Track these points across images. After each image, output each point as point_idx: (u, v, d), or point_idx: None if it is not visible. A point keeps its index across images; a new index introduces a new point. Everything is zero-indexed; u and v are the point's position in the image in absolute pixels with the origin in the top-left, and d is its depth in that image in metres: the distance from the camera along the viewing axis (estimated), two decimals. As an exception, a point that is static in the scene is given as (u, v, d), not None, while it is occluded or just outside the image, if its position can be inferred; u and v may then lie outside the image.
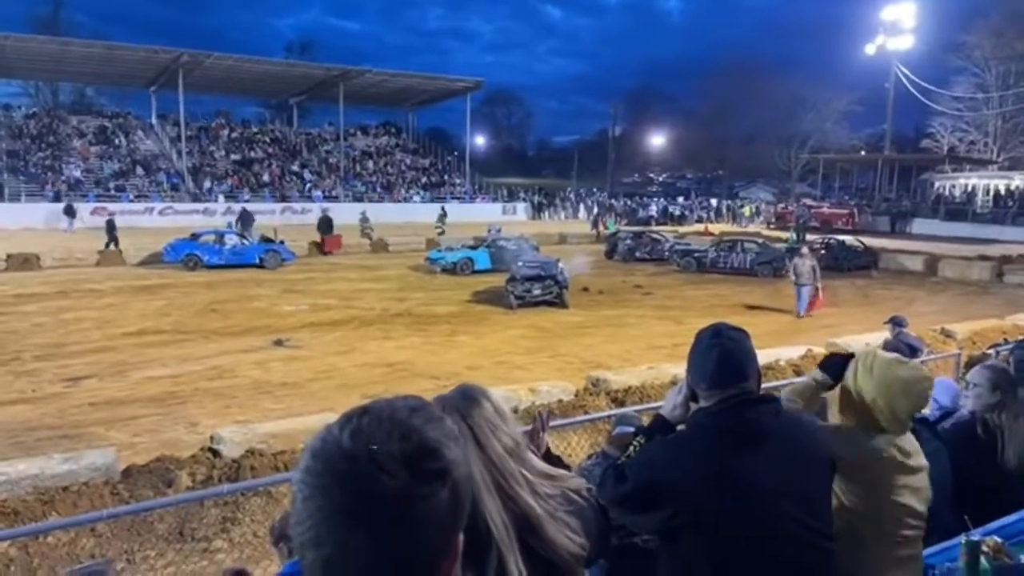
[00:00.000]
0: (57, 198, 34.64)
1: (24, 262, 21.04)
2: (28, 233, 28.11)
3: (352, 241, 28.60)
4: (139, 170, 40.28)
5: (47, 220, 32.38)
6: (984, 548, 2.23)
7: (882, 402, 2.18)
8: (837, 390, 2.32)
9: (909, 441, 2.24)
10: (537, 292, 16.55)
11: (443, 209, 35.14)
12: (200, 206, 36.91)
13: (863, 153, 54.13)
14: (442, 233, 30.77)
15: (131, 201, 36.56)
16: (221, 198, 38.46)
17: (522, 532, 1.45)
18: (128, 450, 7.11)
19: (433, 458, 0.81)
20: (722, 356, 1.95)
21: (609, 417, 4.74)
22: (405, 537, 0.78)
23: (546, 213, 49.44)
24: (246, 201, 38.09)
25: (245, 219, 27.82)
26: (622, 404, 7.54)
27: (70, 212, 31.28)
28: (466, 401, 1.59)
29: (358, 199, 41.97)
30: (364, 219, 31.27)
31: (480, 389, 1.65)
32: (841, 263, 24.23)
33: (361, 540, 0.77)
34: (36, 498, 5.41)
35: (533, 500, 1.49)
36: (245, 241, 23.42)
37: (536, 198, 51.10)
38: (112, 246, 23.74)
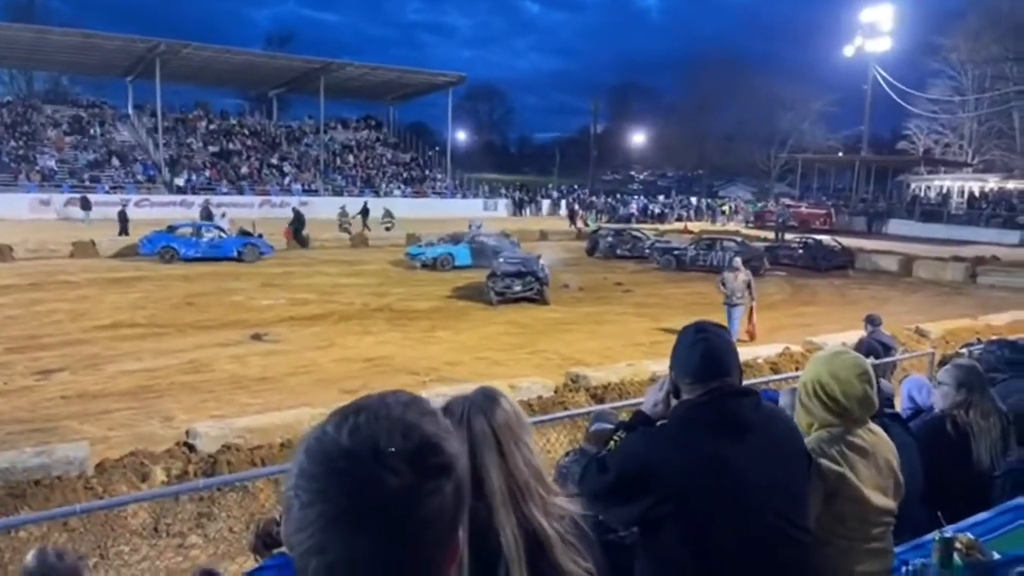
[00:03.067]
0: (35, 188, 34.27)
1: (-4, 253, 20.68)
2: (3, 224, 27.59)
3: (332, 235, 28.47)
4: (115, 161, 39.67)
5: (31, 210, 32.14)
6: (957, 545, 2.26)
7: (831, 391, 2.21)
8: (805, 388, 2.33)
9: (870, 434, 2.26)
10: (518, 288, 16.57)
11: (387, 209, 34.24)
12: (177, 198, 36.48)
13: (841, 154, 54.70)
14: (390, 228, 30.69)
15: (106, 192, 35.98)
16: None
17: (532, 552, 1.42)
18: (102, 444, 7.01)
19: (435, 453, 0.79)
20: (706, 351, 1.98)
21: (588, 414, 4.75)
22: (412, 537, 0.76)
23: (527, 210, 49.46)
24: (224, 194, 37.79)
25: (206, 214, 27.40)
26: (601, 401, 7.57)
27: (86, 205, 31.42)
28: (490, 403, 1.55)
29: (337, 193, 41.71)
30: (343, 213, 31.25)
31: (501, 392, 1.62)
32: (819, 262, 24.52)
33: (367, 543, 0.74)
34: (7, 492, 5.33)
35: (546, 521, 1.46)
36: (223, 234, 23.18)
37: (517, 195, 51.10)
38: (125, 235, 23.84)
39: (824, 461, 2.15)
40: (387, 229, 30.37)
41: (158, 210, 33.51)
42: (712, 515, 1.84)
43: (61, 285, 17.21)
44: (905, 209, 42.83)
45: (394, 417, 0.80)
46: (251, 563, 2.94)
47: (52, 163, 37.74)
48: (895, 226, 39.46)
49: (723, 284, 12.89)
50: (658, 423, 2.10)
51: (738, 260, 13.80)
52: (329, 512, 0.74)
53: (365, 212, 32.90)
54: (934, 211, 41.44)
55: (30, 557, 2.47)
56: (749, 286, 12.71)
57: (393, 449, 0.76)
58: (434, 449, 0.79)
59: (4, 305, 14.62)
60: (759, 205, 45.03)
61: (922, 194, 45.26)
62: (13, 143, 38.08)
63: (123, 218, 25.96)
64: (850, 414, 2.22)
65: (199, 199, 35.72)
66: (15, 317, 13.62)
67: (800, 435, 2.14)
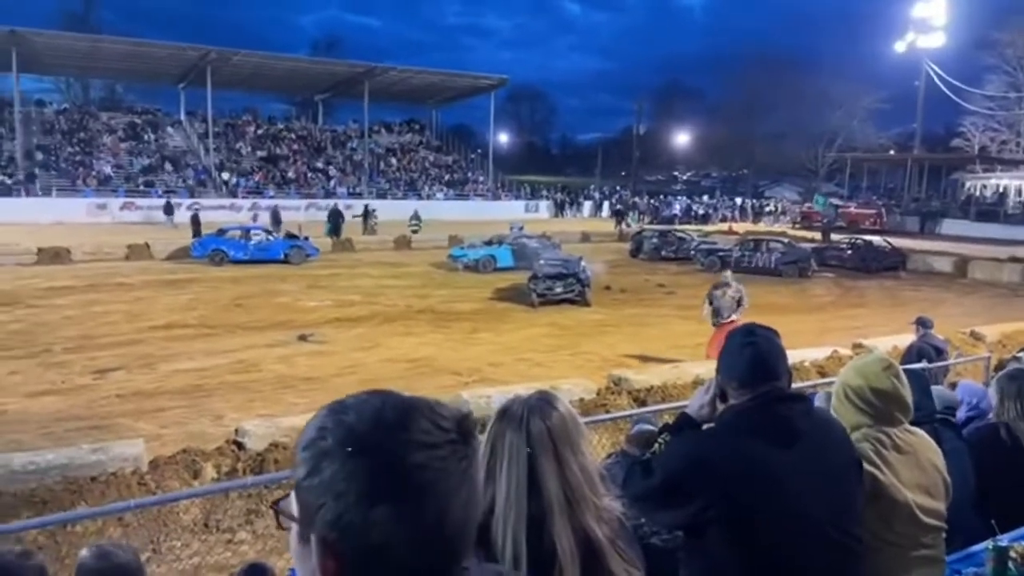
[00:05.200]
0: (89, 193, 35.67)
1: (55, 256, 21.41)
2: (60, 227, 28.62)
3: (377, 237, 28.88)
4: (167, 166, 40.83)
5: (88, 214, 33.33)
6: (1012, 554, 2.20)
7: (860, 391, 2.20)
8: (836, 391, 2.32)
9: (907, 434, 2.22)
10: (559, 290, 16.54)
11: (416, 211, 34.30)
12: (227, 201, 37.40)
13: (892, 152, 53.34)
14: (417, 231, 30.79)
15: (159, 196, 37.10)
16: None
17: (585, 558, 1.43)
18: (155, 441, 7.22)
19: (470, 418, 0.85)
20: (754, 355, 1.94)
21: (630, 417, 4.73)
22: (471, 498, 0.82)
23: (569, 211, 49.33)
24: (271, 198, 38.63)
25: (276, 218, 28.57)
26: (643, 403, 7.52)
27: (169, 210, 32.81)
28: (548, 406, 1.56)
29: (381, 196, 42.22)
30: (368, 214, 32.25)
31: (560, 398, 1.63)
32: (868, 264, 23.96)
33: (434, 503, 0.78)
34: (65, 487, 5.50)
35: (598, 527, 1.47)
36: (270, 237, 23.65)
37: (559, 196, 50.99)
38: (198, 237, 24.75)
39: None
40: (414, 232, 30.36)
41: (210, 213, 34.38)
42: (760, 521, 1.80)
43: (117, 287, 17.76)
44: (959, 209, 41.56)
45: (401, 398, 0.86)
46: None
47: (108, 168, 39.00)
48: (949, 226, 38.29)
49: (709, 302, 11.03)
50: (703, 427, 2.09)
51: (728, 274, 11.65)
52: (385, 475, 0.78)
53: (365, 215, 32.69)
54: (990, 211, 40.10)
55: (85, 552, 2.45)
56: (739, 303, 10.84)
57: (441, 412, 0.83)
58: (469, 415, 0.85)
59: (63, 306, 15.15)
60: (826, 201, 42.54)
61: (977, 193, 43.87)
62: (71, 149, 39.46)
63: (196, 221, 27.36)
64: (881, 413, 2.18)
65: (247, 202, 36.72)
66: (73, 318, 14.10)
67: (851, 442, 2.10)
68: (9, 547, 2.63)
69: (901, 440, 2.18)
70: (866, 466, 2.08)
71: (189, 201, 35.05)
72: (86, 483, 5.59)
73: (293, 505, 0.83)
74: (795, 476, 1.83)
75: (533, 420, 1.54)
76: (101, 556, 2.39)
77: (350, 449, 0.78)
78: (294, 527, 0.84)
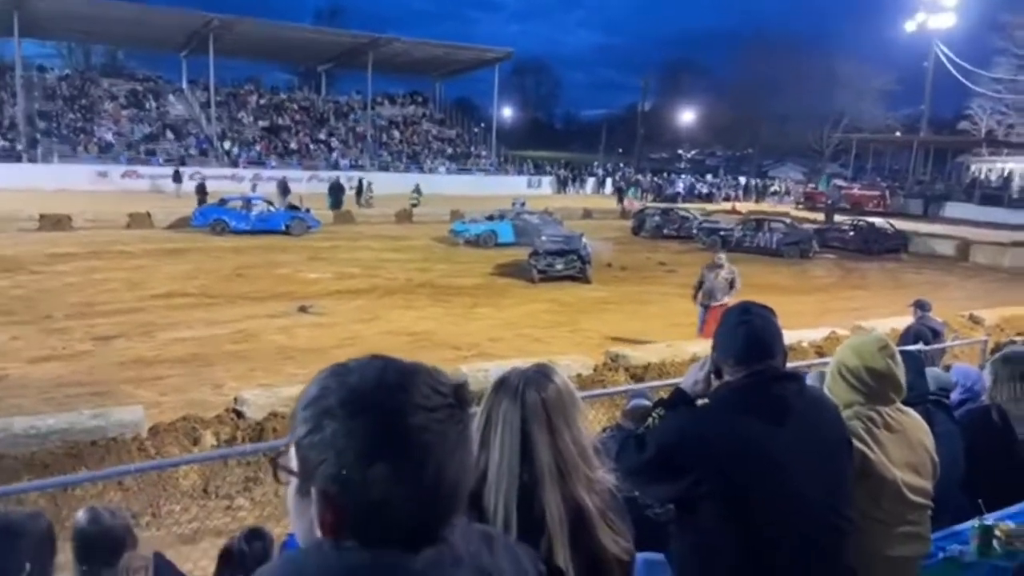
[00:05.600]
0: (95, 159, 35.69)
1: (56, 223, 21.41)
2: (62, 194, 28.56)
3: (378, 210, 28.81)
4: (169, 134, 40.62)
5: (89, 182, 33.18)
6: (997, 533, 2.23)
7: (854, 369, 2.23)
8: (831, 370, 2.33)
9: (899, 413, 2.25)
10: (560, 267, 16.55)
11: (417, 185, 34.05)
12: (228, 171, 37.26)
13: (898, 134, 52.94)
14: (416, 205, 30.73)
15: (160, 165, 36.98)
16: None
17: (574, 528, 1.46)
18: (155, 408, 7.27)
19: (466, 387, 0.89)
20: (750, 333, 1.95)
21: (626, 392, 4.75)
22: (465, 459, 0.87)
23: (572, 188, 49.14)
24: (273, 168, 38.50)
25: (284, 189, 28.69)
26: (641, 380, 7.56)
27: (177, 178, 33.01)
28: (545, 379, 1.59)
29: (383, 168, 42.05)
30: (362, 187, 32.36)
31: (557, 371, 1.65)
32: (871, 246, 23.92)
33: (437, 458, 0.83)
34: (65, 452, 5.57)
35: (588, 497, 1.50)
36: (271, 208, 23.61)
37: (562, 172, 50.76)
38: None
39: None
40: (413, 206, 30.25)
41: (212, 183, 34.27)
42: (752, 497, 1.82)
43: (118, 255, 17.78)
44: (964, 192, 41.29)
45: (402, 363, 0.90)
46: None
47: (109, 136, 38.81)
48: (952, 209, 38.10)
49: (701, 282, 10.83)
50: (697, 402, 2.10)
51: (722, 255, 11.28)
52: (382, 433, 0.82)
53: (359, 189, 32.64)
54: (994, 195, 39.80)
55: (81, 515, 2.57)
56: (732, 285, 10.60)
57: (440, 379, 0.88)
58: (465, 384, 0.90)
59: (64, 273, 15.17)
60: (809, 186, 42.48)
61: (982, 177, 43.57)
62: (72, 115, 39.23)
63: (202, 190, 27.66)
64: (874, 391, 2.20)
65: (249, 172, 36.64)
66: (74, 285, 14.13)
67: (843, 421, 2.12)
68: (17, 508, 2.70)
69: (892, 419, 2.20)
70: (856, 443, 2.10)
71: (191, 170, 34.93)
72: (86, 448, 5.65)
73: (292, 460, 0.86)
74: (788, 454, 1.85)
75: (528, 391, 1.56)
76: (93, 520, 2.51)
77: (352, 408, 0.82)
78: (293, 481, 0.86)
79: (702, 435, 1.91)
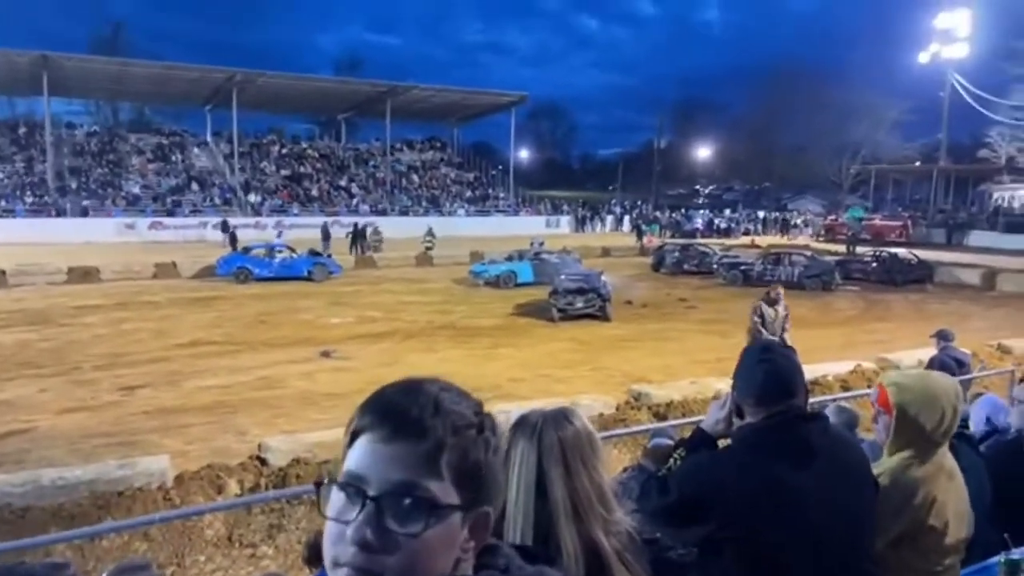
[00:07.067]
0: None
1: (84, 275, 21.84)
2: (89, 247, 29.17)
3: (399, 254, 29.11)
4: (194, 186, 41.54)
5: (117, 234, 33.98)
6: (1026, 568, 2.18)
7: (922, 415, 2.12)
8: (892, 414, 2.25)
9: (949, 458, 2.19)
10: (580, 305, 16.53)
11: (430, 228, 33.52)
12: (252, 220, 37.91)
13: (917, 164, 52.70)
14: (431, 248, 30.74)
15: (186, 216, 37.75)
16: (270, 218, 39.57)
17: (590, 566, 1.45)
18: (180, 457, 7.32)
19: (486, 413, 0.99)
20: (770, 372, 1.93)
21: (647, 431, 4.73)
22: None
23: (590, 226, 49.34)
24: (295, 215, 39.13)
25: (325, 234, 29.86)
26: (664, 418, 7.50)
27: (226, 228, 32.82)
28: (564, 420, 1.59)
29: (403, 213, 42.59)
30: (374, 232, 32.27)
31: (579, 414, 1.66)
32: (894, 277, 23.65)
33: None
34: (92, 502, 5.62)
35: (606, 539, 1.49)
36: (294, 254, 23.95)
37: (580, 211, 51.03)
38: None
39: (909, 486, 2.08)
40: (427, 249, 30.36)
41: (238, 232, 34.86)
42: (776, 542, 1.80)
43: (144, 305, 18.06)
44: (987, 220, 40.86)
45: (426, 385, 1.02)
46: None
47: (136, 189, 39.77)
48: (976, 238, 37.70)
49: (760, 320, 9.97)
50: (719, 443, 2.09)
51: (780, 290, 10.62)
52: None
53: (355, 235, 30.85)
54: (1019, 222, 39.35)
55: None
56: (785, 320, 10.13)
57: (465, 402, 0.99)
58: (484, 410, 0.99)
59: (92, 324, 15.43)
60: (829, 218, 42.40)
61: (1006, 204, 43.13)
62: (100, 170, 40.31)
63: (233, 239, 28.55)
64: (933, 437, 2.14)
65: (271, 220, 37.25)
66: (101, 336, 14.36)
67: (868, 461, 2.08)
68: (42, 559, 2.71)
69: (947, 463, 2.15)
70: (919, 491, 2.07)
71: (216, 220, 35.52)
72: (113, 498, 5.70)
73: (450, 495, 0.85)
74: (812, 497, 1.82)
75: (547, 431, 1.57)
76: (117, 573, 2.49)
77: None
78: (449, 519, 0.84)
79: (723, 481, 1.88)
